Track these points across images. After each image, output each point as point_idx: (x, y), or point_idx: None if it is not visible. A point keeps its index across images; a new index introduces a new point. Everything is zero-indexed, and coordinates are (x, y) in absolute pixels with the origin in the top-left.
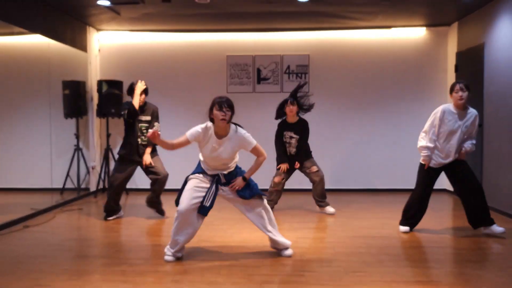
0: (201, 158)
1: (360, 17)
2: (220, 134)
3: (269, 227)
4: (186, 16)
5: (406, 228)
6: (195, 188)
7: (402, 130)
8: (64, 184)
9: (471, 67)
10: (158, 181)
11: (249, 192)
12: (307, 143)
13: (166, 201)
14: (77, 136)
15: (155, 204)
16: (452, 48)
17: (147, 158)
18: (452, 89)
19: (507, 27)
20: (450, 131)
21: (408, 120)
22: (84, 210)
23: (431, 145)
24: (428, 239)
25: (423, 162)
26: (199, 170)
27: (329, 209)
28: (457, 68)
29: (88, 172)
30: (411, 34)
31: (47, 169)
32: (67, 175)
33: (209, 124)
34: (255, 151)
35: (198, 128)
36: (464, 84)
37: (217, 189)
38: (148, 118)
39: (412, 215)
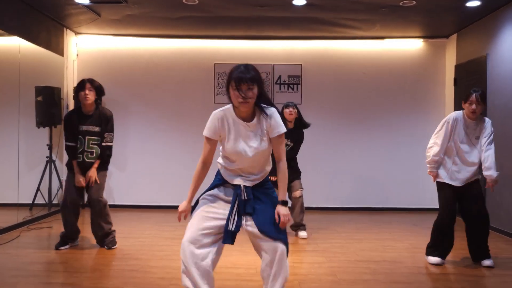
0: (221, 161)
1: (357, 25)
2: (245, 117)
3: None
4: (172, 19)
5: (436, 260)
6: (206, 216)
7: (397, 146)
8: (34, 199)
9: (471, 80)
10: (90, 206)
11: (275, 230)
12: (296, 156)
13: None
14: (50, 147)
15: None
16: (450, 60)
17: (92, 174)
18: (466, 99)
19: None
20: (462, 143)
21: (404, 136)
22: (54, 228)
23: (436, 158)
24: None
25: (429, 174)
26: (216, 181)
27: (301, 233)
28: (456, 82)
29: (61, 186)
30: (408, 46)
31: (14, 183)
32: (38, 189)
33: (229, 106)
34: (279, 144)
35: (212, 117)
36: (480, 95)
37: (240, 206)
38: (96, 128)
39: (439, 243)
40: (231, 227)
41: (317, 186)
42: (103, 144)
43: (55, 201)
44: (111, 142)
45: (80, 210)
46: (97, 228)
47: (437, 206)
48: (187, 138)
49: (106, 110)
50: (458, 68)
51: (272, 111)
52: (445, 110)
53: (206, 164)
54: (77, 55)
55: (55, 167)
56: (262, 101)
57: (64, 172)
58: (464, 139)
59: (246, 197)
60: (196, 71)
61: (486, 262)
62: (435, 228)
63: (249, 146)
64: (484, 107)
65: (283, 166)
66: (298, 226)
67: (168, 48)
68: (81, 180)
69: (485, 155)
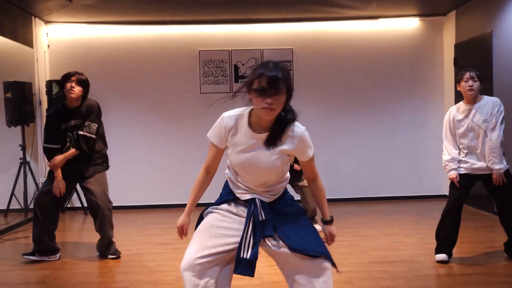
0: (229, 173)
1: (351, 4)
2: (261, 127)
3: None
4: (150, 3)
5: (442, 256)
6: (212, 232)
7: (396, 131)
8: (9, 204)
9: (474, 59)
10: (98, 213)
11: (313, 244)
12: None
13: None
14: (23, 147)
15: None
16: (449, 40)
17: (58, 158)
18: (460, 79)
19: None
20: (466, 130)
21: (402, 120)
22: (31, 237)
23: (455, 155)
24: (460, 263)
25: (450, 179)
26: (225, 196)
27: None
28: (456, 62)
29: (37, 188)
30: (403, 25)
31: None
32: (12, 193)
33: (246, 110)
34: (310, 164)
35: (220, 121)
36: (474, 73)
37: (257, 228)
38: (80, 122)
39: (443, 238)
40: (245, 254)
41: None
42: (81, 132)
43: (31, 206)
44: (90, 133)
45: (55, 219)
46: (106, 237)
47: (440, 193)
48: (172, 132)
49: (91, 101)
50: (458, 47)
51: (302, 131)
52: (445, 92)
53: (209, 173)
54: (48, 46)
55: (30, 169)
56: (288, 111)
57: (40, 174)
58: (468, 125)
59: (263, 217)
60: (179, 59)
61: None
62: (440, 219)
63: (259, 161)
64: (481, 84)
65: (319, 183)
66: (312, 217)
67: (147, 35)
68: (61, 187)
69: (486, 148)
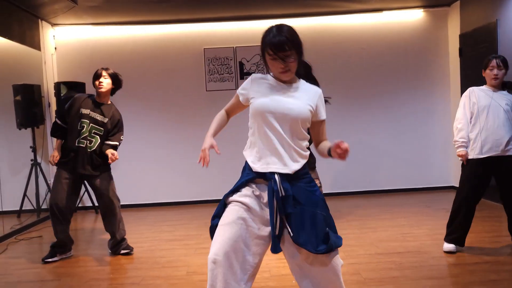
0: (249, 148)
1: None
2: (285, 81)
3: None
4: (154, 3)
5: (450, 246)
6: (238, 221)
7: (401, 123)
8: (22, 205)
9: (479, 49)
10: (108, 211)
11: (322, 240)
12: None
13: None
14: (34, 149)
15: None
16: (453, 30)
17: (112, 151)
18: (486, 66)
19: None
20: (486, 107)
21: (408, 112)
22: (44, 237)
23: (464, 133)
24: (467, 252)
25: (459, 157)
26: (245, 176)
27: None
28: (461, 52)
29: (49, 189)
30: (407, 17)
31: None
32: (24, 194)
33: (270, 73)
34: (323, 127)
35: (249, 78)
36: (501, 60)
37: (279, 205)
38: (104, 120)
39: (455, 229)
40: (277, 231)
41: (319, 170)
42: (114, 143)
43: (44, 206)
44: (119, 143)
45: (70, 216)
46: (117, 233)
47: (447, 184)
48: (179, 131)
49: (118, 113)
50: (463, 37)
51: (320, 90)
52: (450, 83)
53: (228, 115)
54: (55, 48)
55: (41, 169)
56: (303, 70)
57: (51, 174)
58: (489, 106)
59: (283, 193)
60: (184, 57)
61: None
62: (452, 208)
63: (288, 104)
64: (506, 72)
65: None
66: None
67: (152, 35)
68: (55, 156)
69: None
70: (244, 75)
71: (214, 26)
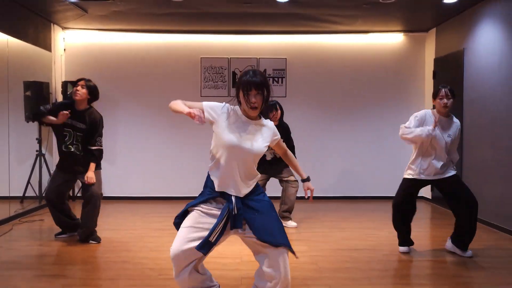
0: (212, 169)
1: (339, 20)
2: (251, 117)
3: None
4: (158, 15)
5: (404, 249)
6: (194, 227)
7: (379, 136)
8: (25, 192)
9: (450, 73)
10: (91, 202)
11: (275, 236)
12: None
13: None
14: (39, 141)
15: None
16: (430, 54)
17: (90, 176)
18: (436, 94)
19: (488, 32)
20: (433, 139)
21: (386, 127)
22: (45, 221)
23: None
24: (413, 252)
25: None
26: (207, 195)
27: (291, 223)
28: (435, 75)
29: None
30: (389, 40)
31: (5, 176)
32: (28, 182)
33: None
34: (280, 144)
35: (224, 104)
36: (449, 90)
37: (230, 220)
38: (82, 126)
39: (400, 231)
40: (213, 238)
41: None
42: (95, 147)
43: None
44: (101, 146)
45: (63, 205)
46: (90, 223)
47: (420, 194)
48: (174, 131)
49: (96, 114)
50: (437, 61)
51: (272, 124)
52: (425, 102)
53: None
54: (64, 49)
55: (45, 160)
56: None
57: (54, 165)
58: (435, 135)
59: (236, 212)
60: (182, 65)
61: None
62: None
63: (247, 141)
64: (454, 101)
65: (290, 154)
66: (289, 211)
67: (154, 43)
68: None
69: (445, 158)
70: (236, 84)
71: (211, 38)
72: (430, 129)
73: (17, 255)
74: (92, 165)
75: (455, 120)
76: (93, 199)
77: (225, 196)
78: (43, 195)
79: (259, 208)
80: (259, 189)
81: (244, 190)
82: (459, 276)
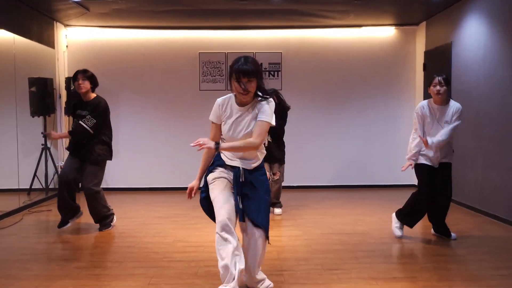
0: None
1: (332, 15)
2: (243, 102)
3: (258, 269)
4: (157, 12)
5: (399, 233)
6: (229, 191)
7: (372, 127)
8: (31, 184)
9: (439, 65)
10: (86, 197)
11: (262, 217)
12: (282, 141)
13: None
14: (45, 135)
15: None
16: (420, 47)
17: (53, 132)
18: (430, 83)
19: (474, 26)
20: (429, 127)
21: (378, 117)
22: (53, 211)
23: (416, 149)
24: (404, 239)
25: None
26: (218, 163)
27: (276, 210)
28: (425, 67)
29: (56, 171)
30: (380, 33)
31: (14, 169)
32: (35, 175)
33: (232, 94)
34: (257, 126)
35: (215, 104)
36: (443, 78)
37: (239, 187)
38: (84, 113)
39: (405, 215)
40: (241, 205)
41: (296, 166)
42: (80, 122)
43: (51, 186)
44: (87, 125)
45: (73, 188)
46: (92, 212)
47: (411, 182)
48: (174, 124)
49: (100, 99)
50: (427, 54)
51: (268, 101)
52: (415, 93)
53: (214, 140)
54: (67, 46)
55: (50, 154)
56: (261, 92)
57: (59, 158)
58: (433, 123)
59: (243, 179)
60: (181, 60)
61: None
62: (412, 201)
63: (239, 128)
64: (448, 89)
65: (249, 141)
66: (274, 203)
67: (154, 39)
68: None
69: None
70: None
71: (209, 33)
72: (418, 146)
73: (30, 241)
74: (64, 133)
75: (452, 104)
76: (87, 195)
77: (233, 168)
78: (59, 174)
79: (258, 186)
80: (264, 171)
81: (249, 165)
82: (442, 255)
